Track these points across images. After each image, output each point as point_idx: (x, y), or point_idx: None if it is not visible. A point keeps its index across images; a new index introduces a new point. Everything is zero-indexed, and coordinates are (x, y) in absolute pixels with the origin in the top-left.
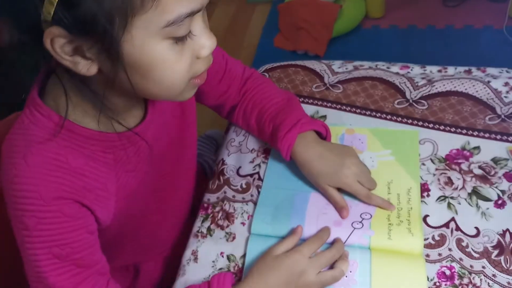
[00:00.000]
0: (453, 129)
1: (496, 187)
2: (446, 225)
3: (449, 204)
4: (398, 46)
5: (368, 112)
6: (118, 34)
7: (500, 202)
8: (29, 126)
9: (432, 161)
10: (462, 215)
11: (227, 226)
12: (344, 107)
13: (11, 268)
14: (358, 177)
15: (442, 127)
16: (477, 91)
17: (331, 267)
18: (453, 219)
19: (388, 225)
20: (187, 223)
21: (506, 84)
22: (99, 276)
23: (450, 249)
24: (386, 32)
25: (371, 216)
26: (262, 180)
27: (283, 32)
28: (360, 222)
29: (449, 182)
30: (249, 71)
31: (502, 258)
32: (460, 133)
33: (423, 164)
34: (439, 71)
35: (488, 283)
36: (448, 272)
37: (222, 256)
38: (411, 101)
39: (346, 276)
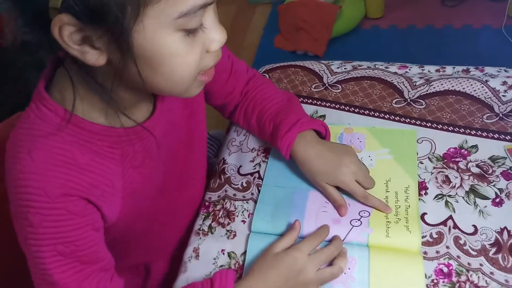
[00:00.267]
0: (450, 128)
1: (493, 186)
2: (444, 223)
3: (446, 202)
4: (397, 46)
5: (366, 112)
6: (129, 23)
7: (497, 200)
8: (35, 121)
9: (429, 159)
10: (460, 213)
11: (228, 224)
12: (343, 107)
13: (11, 268)
14: (356, 175)
15: (439, 126)
16: (475, 90)
17: (330, 264)
18: (450, 217)
19: (386, 223)
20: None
21: (504, 83)
22: (103, 272)
23: (447, 247)
24: (385, 32)
25: (369, 214)
26: (262, 179)
27: (283, 33)
28: (359, 220)
29: (447, 180)
30: (251, 71)
31: (499, 255)
32: (458, 132)
33: (421, 162)
34: (437, 70)
35: (486, 280)
36: (445, 270)
37: (223, 254)
38: (409, 100)
39: (344, 274)
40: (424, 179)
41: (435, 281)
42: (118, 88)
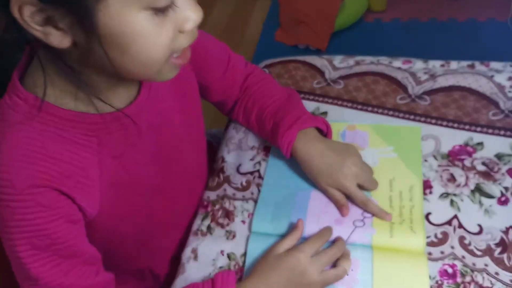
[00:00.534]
0: (456, 125)
1: (499, 184)
2: (449, 222)
3: (451, 201)
4: (401, 39)
5: (369, 108)
6: (92, 2)
7: (503, 199)
8: (5, 111)
9: (434, 157)
10: (465, 212)
11: (227, 224)
12: (346, 103)
13: (11, 268)
14: (358, 178)
15: (444, 123)
16: (480, 86)
17: (333, 265)
18: (455, 216)
19: (390, 224)
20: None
21: (510, 78)
22: (86, 267)
23: (452, 247)
24: (388, 25)
25: (372, 214)
26: (262, 178)
27: (284, 27)
28: (362, 220)
29: (452, 178)
30: (250, 67)
31: (505, 255)
32: (463, 129)
33: (426, 160)
34: (442, 65)
35: (491, 281)
36: (450, 270)
37: (223, 255)
38: (413, 96)
39: (347, 275)
40: (429, 177)
41: (439, 282)
42: (89, 71)
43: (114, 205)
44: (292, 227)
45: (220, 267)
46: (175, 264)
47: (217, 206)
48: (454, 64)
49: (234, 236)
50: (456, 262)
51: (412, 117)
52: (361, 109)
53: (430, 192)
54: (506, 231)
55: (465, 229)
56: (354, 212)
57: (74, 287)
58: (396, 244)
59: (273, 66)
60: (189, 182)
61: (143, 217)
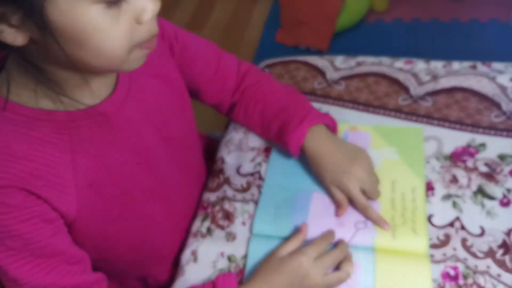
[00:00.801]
0: (458, 126)
1: (501, 185)
2: (451, 224)
3: (454, 203)
4: (403, 39)
5: (371, 109)
6: None
7: (505, 201)
8: None
9: (437, 158)
10: (467, 214)
11: (228, 226)
12: (347, 104)
13: None
14: (362, 182)
15: (447, 124)
16: (482, 87)
17: (336, 268)
18: (458, 218)
19: (393, 225)
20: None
21: None
22: (69, 266)
23: (454, 249)
24: (390, 25)
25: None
26: (263, 180)
27: (284, 27)
28: (364, 222)
29: (454, 180)
30: (245, 65)
31: (507, 257)
32: (465, 130)
33: (428, 162)
34: (444, 66)
35: (493, 283)
36: (452, 273)
37: (223, 257)
38: (415, 97)
39: (349, 278)
40: (431, 179)
41: (441, 284)
42: (53, 67)
43: (99, 206)
44: (296, 230)
45: (220, 270)
46: (175, 268)
47: (217, 208)
48: (456, 65)
49: (234, 238)
50: (458, 264)
51: (414, 118)
52: (362, 110)
53: (432, 194)
54: (508, 233)
55: (467, 231)
56: (356, 214)
57: (57, 286)
58: (398, 247)
59: (273, 66)
60: (185, 183)
61: (136, 220)
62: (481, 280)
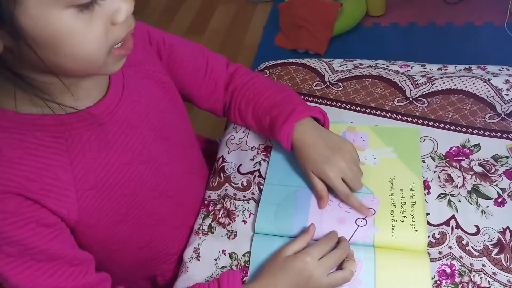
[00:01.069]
0: (453, 127)
1: (496, 185)
2: (447, 222)
3: (449, 202)
4: (399, 43)
5: (368, 110)
6: (9, 5)
7: (500, 200)
8: None
9: (432, 158)
10: (462, 213)
11: (229, 224)
12: (344, 105)
13: None
14: (343, 173)
15: (442, 125)
16: (477, 89)
17: (339, 267)
18: (453, 216)
19: (392, 222)
20: None
21: (507, 81)
22: (71, 268)
23: (450, 247)
24: (386, 30)
25: (374, 211)
26: (263, 178)
27: (284, 31)
28: (364, 218)
29: (449, 179)
30: (233, 66)
31: (502, 256)
32: (460, 131)
33: (423, 161)
34: (439, 69)
35: (488, 281)
36: (448, 270)
37: (224, 254)
38: (411, 99)
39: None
40: (427, 178)
41: (438, 282)
42: (35, 74)
43: (104, 208)
44: (298, 228)
45: (223, 267)
46: (179, 265)
47: (218, 206)
48: (451, 68)
49: (235, 236)
50: (454, 262)
51: (409, 119)
52: (359, 111)
53: (428, 193)
54: (503, 232)
55: (462, 230)
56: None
57: None
58: (398, 243)
59: (273, 67)
60: (189, 181)
61: (143, 220)
62: (476, 278)
